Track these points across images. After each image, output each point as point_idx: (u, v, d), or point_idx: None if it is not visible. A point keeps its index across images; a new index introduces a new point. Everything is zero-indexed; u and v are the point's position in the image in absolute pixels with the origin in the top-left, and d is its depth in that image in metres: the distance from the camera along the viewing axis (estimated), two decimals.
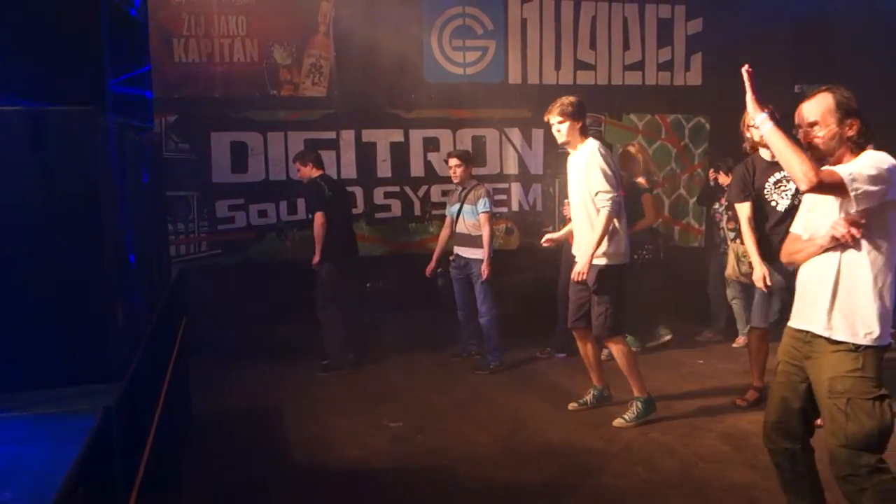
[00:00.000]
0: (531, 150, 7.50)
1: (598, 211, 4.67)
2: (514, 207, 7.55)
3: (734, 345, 6.69)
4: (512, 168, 7.49)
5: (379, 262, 7.08)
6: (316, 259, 6.05)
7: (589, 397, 5.13)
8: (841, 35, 7.84)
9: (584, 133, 4.83)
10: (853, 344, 2.83)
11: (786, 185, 4.85)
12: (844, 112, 2.87)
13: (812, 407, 3.01)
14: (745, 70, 3.08)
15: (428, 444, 4.63)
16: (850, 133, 2.86)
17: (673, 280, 6.81)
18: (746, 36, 7.37)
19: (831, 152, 2.90)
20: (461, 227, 6.15)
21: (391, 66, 6.87)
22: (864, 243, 2.83)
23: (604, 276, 4.73)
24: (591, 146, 4.73)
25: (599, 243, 4.67)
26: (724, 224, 6.61)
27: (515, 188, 7.52)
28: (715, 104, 7.69)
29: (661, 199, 7.73)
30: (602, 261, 4.73)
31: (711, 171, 7.00)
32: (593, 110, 7.47)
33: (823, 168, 2.82)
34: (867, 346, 2.83)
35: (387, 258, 7.18)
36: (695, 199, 7.79)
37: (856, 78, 7.75)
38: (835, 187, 2.77)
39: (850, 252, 2.86)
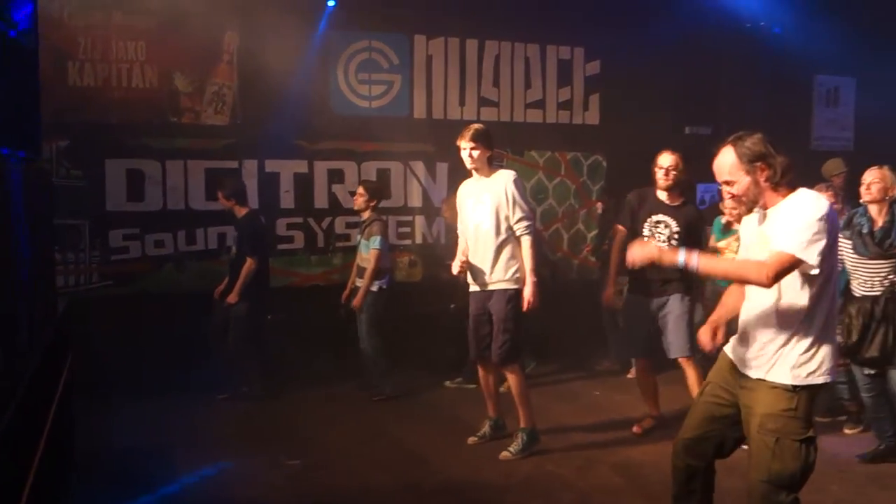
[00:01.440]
0: (435, 183, 7.59)
1: (517, 236, 4.75)
2: (418, 240, 7.60)
3: (629, 375, 6.90)
4: (416, 201, 7.56)
5: (281, 294, 6.96)
6: (235, 298, 5.94)
7: (486, 429, 5.17)
8: (727, 78, 8.30)
9: (492, 162, 4.94)
10: (791, 385, 2.84)
11: (662, 229, 5.08)
12: (749, 160, 2.87)
13: (732, 435, 3.05)
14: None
15: (326, 482, 4.55)
16: (763, 177, 2.85)
17: (571, 312, 7.00)
18: (641, 79, 7.74)
19: (755, 200, 2.91)
20: (359, 259, 6.23)
21: (296, 97, 6.85)
22: (804, 284, 2.83)
23: (512, 300, 4.78)
24: (509, 176, 4.84)
25: (535, 269, 4.74)
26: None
27: (419, 221, 7.58)
28: (612, 143, 8.01)
29: (560, 234, 7.96)
30: (511, 286, 4.79)
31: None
32: (496, 146, 7.64)
33: (770, 256, 2.79)
34: (804, 387, 2.84)
35: (289, 290, 7.08)
36: (593, 233, 8.05)
37: (741, 119, 8.30)
38: (793, 267, 2.77)
39: (790, 293, 2.85)
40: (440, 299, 6.88)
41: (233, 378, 6.09)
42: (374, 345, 6.10)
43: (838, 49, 8.33)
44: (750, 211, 2.99)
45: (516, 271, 4.79)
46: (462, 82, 7.63)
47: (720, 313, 3.16)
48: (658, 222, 5.10)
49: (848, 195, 8.00)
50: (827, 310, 2.88)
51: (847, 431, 5.36)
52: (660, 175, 5.15)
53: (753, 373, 2.92)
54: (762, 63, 8.33)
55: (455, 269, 4.97)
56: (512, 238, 4.77)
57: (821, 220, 2.75)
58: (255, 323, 6.05)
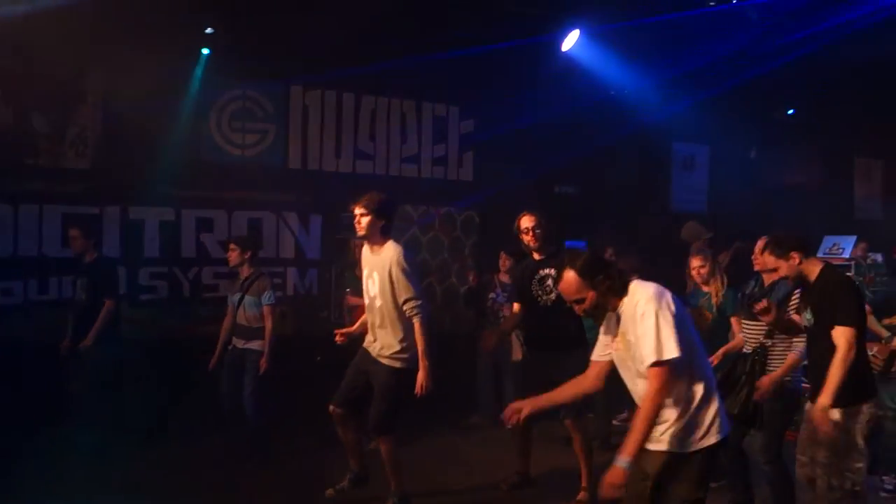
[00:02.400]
0: (308, 234, 7.50)
1: (407, 317, 4.62)
2: (290, 292, 7.44)
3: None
4: (288, 252, 7.43)
5: (142, 345, 6.60)
6: (89, 342, 5.59)
7: (345, 483, 5.05)
8: (597, 140, 8.70)
9: (387, 233, 4.74)
10: (690, 452, 3.10)
11: (549, 281, 5.19)
12: (590, 277, 3.14)
13: None
14: None
15: None
16: (605, 287, 3.14)
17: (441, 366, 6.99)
18: (513, 139, 8.01)
19: (605, 308, 3.20)
20: (241, 318, 5.84)
21: (165, 142, 6.64)
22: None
23: (398, 379, 4.69)
24: (396, 251, 4.64)
25: (427, 353, 4.61)
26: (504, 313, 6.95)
27: (291, 272, 7.44)
28: (485, 199, 8.20)
29: (433, 288, 8.01)
30: (400, 364, 4.70)
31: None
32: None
33: (649, 377, 3.03)
34: (700, 450, 3.10)
35: (151, 342, 6.73)
36: (465, 288, 8.15)
37: (606, 181, 8.73)
38: (670, 369, 3.01)
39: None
40: (315, 351, 6.73)
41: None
42: (258, 407, 5.84)
43: (694, 119, 8.95)
44: (602, 318, 3.25)
45: (406, 350, 4.68)
46: (338, 134, 7.63)
47: (550, 397, 3.40)
48: (542, 277, 5.17)
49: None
50: (701, 384, 3.13)
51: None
52: (527, 238, 5.26)
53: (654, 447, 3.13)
54: (626, 129, 8.79)
55: (337, 338, 4.92)
56: (404, 316, 4.64)
57: (659, 311, 3.02)
58: (109, 368, 5.68)
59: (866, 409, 3.94)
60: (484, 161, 8.24)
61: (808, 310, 3.96)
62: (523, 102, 7.98)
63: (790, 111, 10.01)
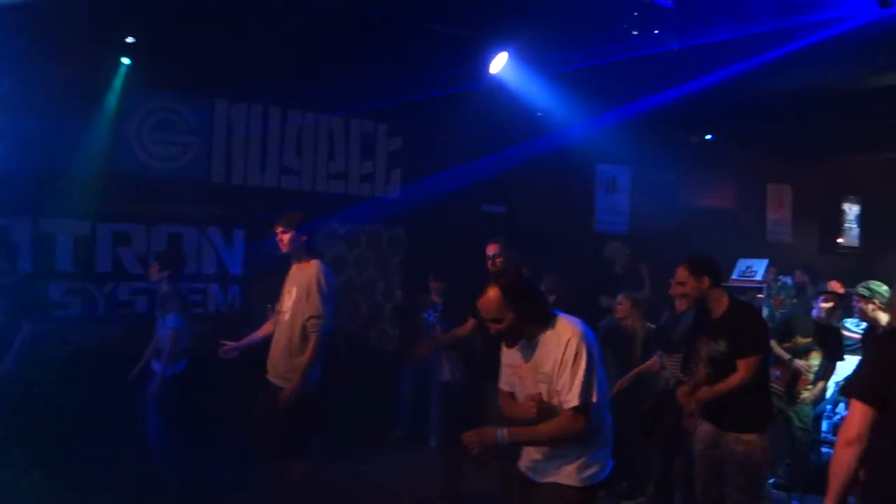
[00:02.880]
0: (231, 250, 7.33)
1: (307, 334, 4.57)
2: (211, 309, 7.25)
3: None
4: (210, 268, 7.24)
5: (55, 363, 6.30)
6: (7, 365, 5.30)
7: None
8: (524, 161, 8.78)
9: (312, 250, 4.74)
10: (579, 488, 3.09)
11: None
12: (514, 299, 3.03)
13: None
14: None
15: None
16: (528, 314, 3.05)
17: (365, 383, 6.95)
18: (440, 156, 8.05)
19: (521, 335, 3.10)
20: (156, 340, 5.65)
21: (80, 153, 6.40)
22: None
23: (303, 398, 4.59)
24: (318, 269, 4.63)
25: (308, 371, 4.54)
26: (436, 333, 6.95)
27: (213, 289, 7.25)
28: (411, 217, 8.19)
29: (358, 305, 7.95)
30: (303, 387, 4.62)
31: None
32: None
33: (567, 419, 2.99)
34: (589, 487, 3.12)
35: (64, 359, 6.42)
36: (391, 304, 8.12)
37: (532, 200, 8.83)
38: (584, 412, 2.99)
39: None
40: (235, 370, 6.54)
41: None
42: (160, 438, 5.60)
43: (617, 141, 9.17)
44: (515, 343, 3.16)
45: (312, 373, 4.61)
46: (263, 149, 7.50)
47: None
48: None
49: (630, 276, 8.73)
50: (604, 416, 3.17)
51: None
52: (490, 265, 5.37)
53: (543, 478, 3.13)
54: (552, 149, 8.92)
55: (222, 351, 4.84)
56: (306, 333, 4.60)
57: (590, 354, 3.00)
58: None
59: (767, 437, 4.15)
60: (411, 178, 8.22)
61: (720, 341, 4.10)
62: (452, 122, 8.01)
63: (708, 136, 10.35)
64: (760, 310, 7.46)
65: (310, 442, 4.78)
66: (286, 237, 4.65)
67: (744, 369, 3.98)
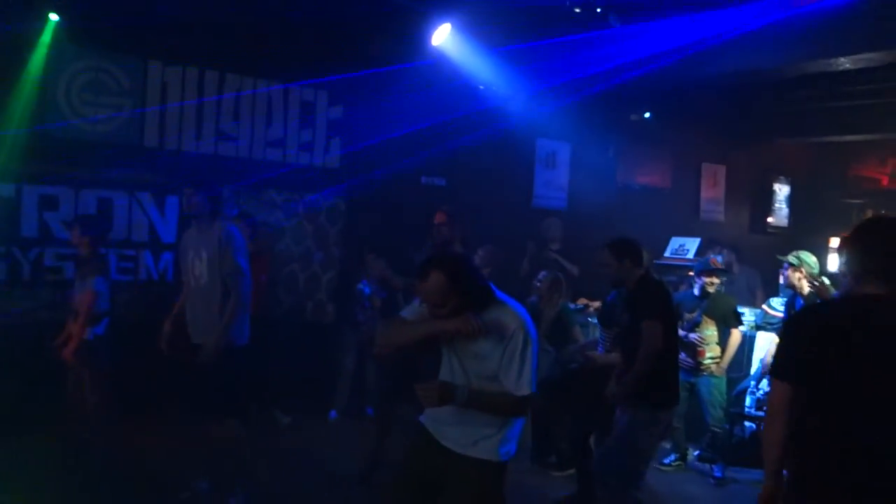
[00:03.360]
0: (164, 217, 7.16)
1: (228, 293, 4.61)
2: (142, 276, 7.09)
3: None
4: (142, 235, 7.06)
5: None
6: None
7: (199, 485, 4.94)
8: (465, 133, 8.77)
9: (218, 211, 4.77)
10: (497, 462, 3.14)
11: None
12: (457, 282, 3.02)
13: None
14: None
15: None
16: (471, 298, 3.05)
17: (302, 358, 6.91)
18: (381, 127, 7.97)
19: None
20: (77, 302, 5.53)
21: (4, 112, 6.16)
22: None
23: (227, 357, 4.60)
24: (229, 230, 4.70)
25: (228, 328, 4.58)
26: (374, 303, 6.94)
27: (145, 256, 7.08)
28: (351, 187, 8.12)
29: (295, 276, 7.88)
30: (230, 338, 4.61)
31: None
32: (234, 182, 7.43)
33: (513, 400, 3.05)
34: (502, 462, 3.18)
35: None
36: (328, 276, 8.06)
37: (472, 174, 8.84)
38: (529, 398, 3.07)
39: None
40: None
41: None
42: (95, 399, 5.49)
43: (557, 116, 9.23)
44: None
45: (233, 328, 4.64)
46: (199, 114, 7.31)
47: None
48: None
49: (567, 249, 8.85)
50: None
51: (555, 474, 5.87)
52: (437, 233, 5.52)
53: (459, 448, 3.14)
54: (493, 123, 8.92)
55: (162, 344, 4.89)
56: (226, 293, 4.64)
57: (531, 342, 3.06)
58: None
59: (663, 417, 4.33)
60: (351, 148, 8.14)
61: (625, 314, 4.33)
62: (393, 93, 7.94)
63: (647, 114, 10.49)
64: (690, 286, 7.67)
65: (242, 403, 4.76)
66: (195, 199, 4.68)
67: (644, 336, 4.17)
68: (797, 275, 5.50)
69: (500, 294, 3.17)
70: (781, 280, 5.93)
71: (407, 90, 7.92)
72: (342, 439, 6.46)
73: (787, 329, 2.80)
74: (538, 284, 6.25)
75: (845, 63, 7.21)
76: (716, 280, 6.20)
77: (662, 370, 4.33)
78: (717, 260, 6.52)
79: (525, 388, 3.03)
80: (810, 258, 5.51)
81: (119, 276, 6.84)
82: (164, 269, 7.19)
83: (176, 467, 5.32)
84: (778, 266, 11.00)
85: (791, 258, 5.60)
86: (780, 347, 2.69)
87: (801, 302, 5.48)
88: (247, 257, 4.75)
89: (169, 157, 7.07)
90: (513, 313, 3.08)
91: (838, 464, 2.38)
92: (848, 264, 2.60)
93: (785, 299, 6.28)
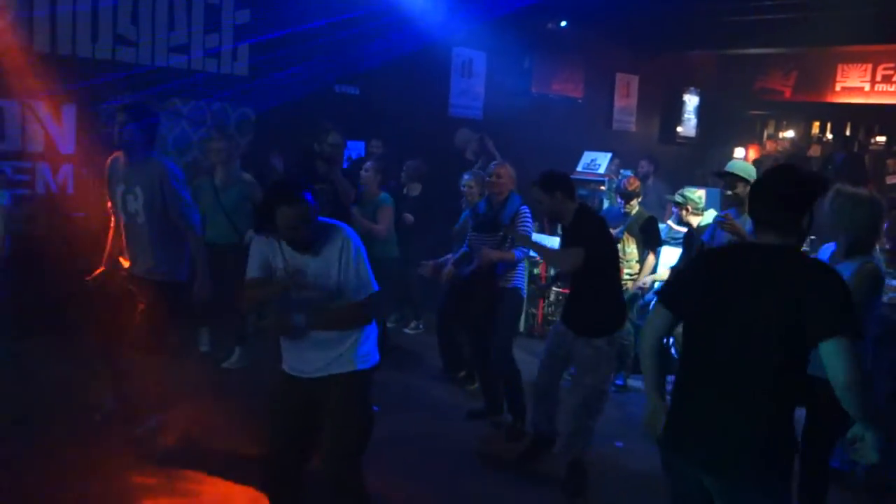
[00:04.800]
0: (61, 126, 6.77)
1: (180, 230, 4.52)
2: (40, 189, 6.75)
3: None
4: (37, 146, 6.67)
5: None
6: None
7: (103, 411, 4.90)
8: (379, 41, 8.53)
9: (151, 146, 4.54)
10: (357, 371, 3.36)
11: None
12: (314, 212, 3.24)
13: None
14: None
15: None
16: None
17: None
18: (293, 33, 7.67)
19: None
20: None
21: None
22: None
23: (166, 293, 4.52)
24: (164, 165, 4.49)
25: (204, 265, 4.57)
26: None
27: (41, 168, 6.71)
28: (261, 96, 7.84)
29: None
30: (164, 278, 4.52)
31: None
32: (135, 91, 7.07)
33: (361, 305, 3.32)
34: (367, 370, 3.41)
35: None
36: None
37: (390, 83, 8.66)
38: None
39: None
40: (68, 260, 6.19)
41: None
42: None
43: (473, 24, 9.07)
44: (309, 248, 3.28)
45: (168, 263, 4.54)
46: (94, 15, 6.83)
47: None
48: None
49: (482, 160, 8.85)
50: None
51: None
52: None
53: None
54: (408, 30, 8.70)
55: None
56: (171, 230, 4.50)
57: (357, 252, 3.29)
58: None
59: (616, 338, 4.52)
60: (261, 56, 7.82)
61: (564, 245, 4.46)
62: None
63: (563, 23, 10.43)
64: (601, 201, 7.85)
65: (173, 338, 4.72)
66: (126, 129, 4.41)
67: (570, 253, 4.36)
68: (684, 212, 5.82)
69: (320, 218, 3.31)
70: (673, 218, 6.19)
71: None
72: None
73: (691, 263, 3.01)
74: (468, 189, 6.13)
75: None
76: (634, 202, 6.38)
77: (609, 297, 4.48)
78: (633, 177, 6.71)
79: (367, 289, 3.28)
80: (694, 194, 5.80)
81: (14, 189, 6.49)
82: (64, 181, 6.84)
83: (85, 389, 5.24)
84: (689, 172, 11.40)
85: (677, 198, 5.93)
86: (671, 276, 2.88)
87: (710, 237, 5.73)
88: (188, 191, 4.62)
89: (62, 63, 6.62)
90: (336, 228, 3.30)
91: (694, 374, 2.66)
92: (750, 213, 2.70)
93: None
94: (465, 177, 6.21)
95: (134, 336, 4.54)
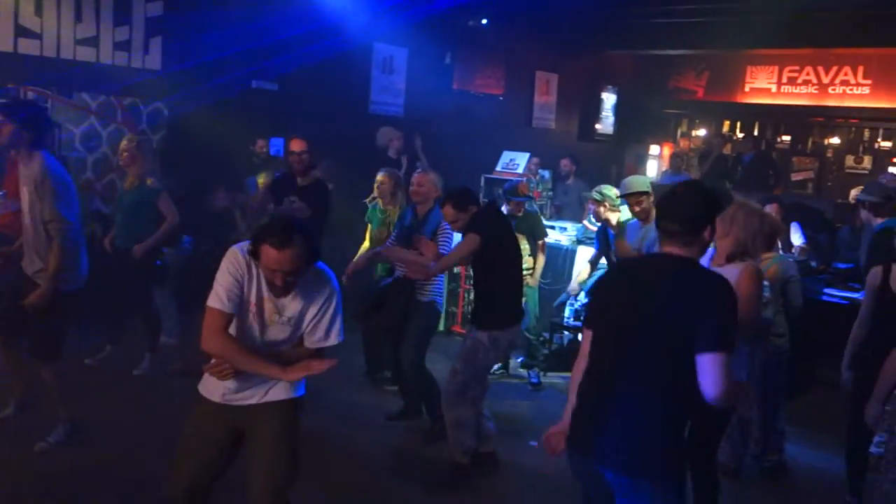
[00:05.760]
0: None
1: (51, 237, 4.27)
2: None
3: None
4: None
5: None
6: None
7: (10, 408, 4.79)
8: (298, 36, 8.36)
9: (37, 145, 4.26)
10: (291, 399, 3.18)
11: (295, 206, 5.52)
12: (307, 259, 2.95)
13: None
14: None
15: None
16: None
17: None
18: (209, 26, 7.49)
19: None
20: None
21: None
22: None
23: (55, 300, 4.33)
24: (44, 167, 4.21)
25: (57, 271, 4.27)
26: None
27: None
28: (174, 91, 7.63)
29: (114, 186, 7.40)
30: (57, 285, 4.32)
31: None
32: (40, 84, 6.79)
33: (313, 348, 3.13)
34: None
35: None
36: None
37: (309, 78, 8.53)
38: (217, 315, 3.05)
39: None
40: None
41: None
42: None
43: (395, 20, 9.01)
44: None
45: (68, 271, 4.37)
46: None
47: None
48: (291, 202, 5.58)
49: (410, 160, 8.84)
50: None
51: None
52: (294, 160, 5.71)
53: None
54: (328, 25, 8.58)
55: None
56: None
57: (338, 304, 3.12)
58: None
59: (503, 338, 4.57)
60: (174, 50, 7.60)
61: None
62: None
63: (484, 21, 10.47)
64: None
65: (58, 350, 4.53)
66: (6, 129, 4.19)
67: (464, 243, 4.45)
68: (602, 209, 5.88)
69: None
70: (591, 216, 6.30)
71: None
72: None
73: (595, 284, 3.12)
74: (381, 186, 6.09)
75: None
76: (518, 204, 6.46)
77: (499, 294, 4.52)
78: (527, 185, 6.84)
79: (333, 339, 3.13)
80: (611, 191, 5.87)
81: None
82: None
83: None
84: (607, 168, 11.62)
85: (594, 195, 5.98)
86: (588, 299, 2.99)
87: (612, 233, 5.86)
88: (69, 197, 4.29)
89: None
90: (324, 276, 3.10)
91: (599, 377, 2.79)
92: (658, 226, 2.82)
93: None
94: (380, 173, 6.20)
95: (29, 340, 4.42)
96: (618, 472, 2.65)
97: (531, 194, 6.82)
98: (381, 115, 9.71)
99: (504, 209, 6.35)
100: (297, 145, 5.67)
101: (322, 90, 8.70)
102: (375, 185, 6.18)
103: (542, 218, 6.81)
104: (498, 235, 4.53)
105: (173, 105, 7.73)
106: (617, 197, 5.68)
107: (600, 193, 5.89)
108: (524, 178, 7.58)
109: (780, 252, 5.55)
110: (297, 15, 8.33)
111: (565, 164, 10.01)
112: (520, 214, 6.44)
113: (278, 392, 3.14)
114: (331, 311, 3.09)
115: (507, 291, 4.60)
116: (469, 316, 4.68)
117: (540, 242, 6.55)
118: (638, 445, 2.62)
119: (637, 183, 5.44)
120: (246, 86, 8.27)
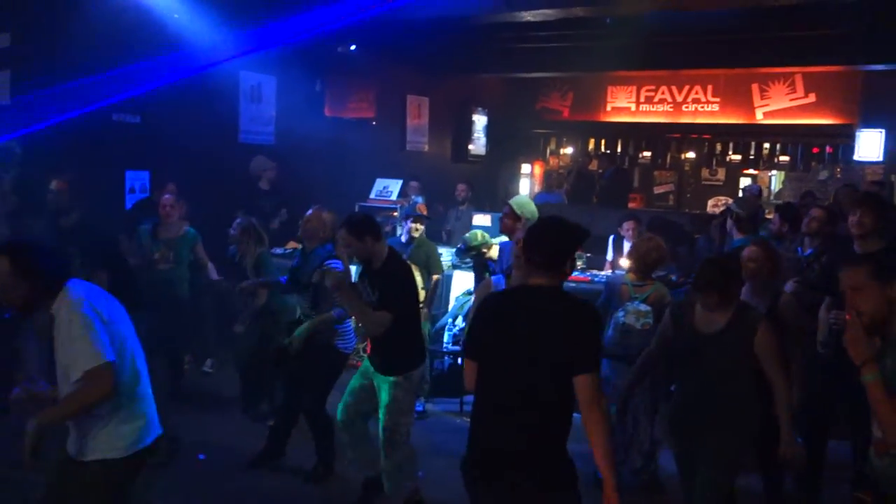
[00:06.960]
0: None
1: None
2: None
3: None
4: None
5: None
6: None
7: None
8: (160, 67, 8.09)
9: None
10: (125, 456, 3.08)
11: None
12: (25, 272, 2.95)
13: None
14: None
15: None
16: (42, 284, 2.99)
17: None
18: (62, 59, 7.16)
19: (36, 307, 3.06)
20: None
21: None
22: None
23: None
24: None
25: None
26: None
27: None
28: (27, 126, 7.22)
29: None
30: None
31: None
32: None
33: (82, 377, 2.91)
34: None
35: None
36: None
37: (173, 110, 8.26)
38: (108, 365, 2.95)
39: None
40: None
41: None
42: None
43: (260, 48, 8.87)
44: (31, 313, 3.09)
45: None
46: None
47: None
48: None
49: (277, 188, 8.70)
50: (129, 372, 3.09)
51: None
52: None
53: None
54: (191, 54, 8.36)
55: None
56: None
57: (83, 320, 2.88)
58: None
59: (416, 375, 4.59)
60: (25, 83, 7.20)
61: (375, 291, 4.41)
62: (75, 20, 7.14)
63: (353, 46, 10.48)
64: (394, 228, 7.94)
65: None
66: None
67: (379, 319, 4.33)
68: (518, 224, 5.66)
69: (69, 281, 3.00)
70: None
71: (92, 17, 7.17)
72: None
73: (474, 314, 3.22)
74: (232, 232, 5.99)
75: (527, 16, 8.31)
76: (420, 226, 6.44)
77: (408, 338, 4.50)
78: (424, 205, 6.87)
79: (81, 367, 2.84)
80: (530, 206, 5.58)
81: None
82: None
83: None
84: (480, 187, 11.71)
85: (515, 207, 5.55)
86: (468, 329, 3.13)
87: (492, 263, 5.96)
88: None
89: None
90: (62, 297, 2.94)
91: (486, 403, 2.97)
92: (525, 257, 3.04)
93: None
94: (237, 220, 6.05)
95: None
96: (532, 494, 2.81)
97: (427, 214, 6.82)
98: (252, 145, 9.54)
99: (403, 237, 6.39)
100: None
101: (188, 121, 8.43)
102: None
103: (436, 248, 6.80)
104: (408, 293, 4.53)
105: (26, 140, 7.30)
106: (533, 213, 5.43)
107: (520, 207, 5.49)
108: (420, 199, 7.56)
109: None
110: (158, 45, 8.08)
111: (461, 189, 9.87)
112: (416, 236, 6.43)
113: (105, 447, 3.03)
114: (68, 333, 2.89)
115: (417, 334, 4.67)
116: (373, 361, 4.59)
117: (435, 278, 6.47)
118: (548, 464, 2.82)
119: (516, 202, 5.50)
120: (106, 118, 7.94)
